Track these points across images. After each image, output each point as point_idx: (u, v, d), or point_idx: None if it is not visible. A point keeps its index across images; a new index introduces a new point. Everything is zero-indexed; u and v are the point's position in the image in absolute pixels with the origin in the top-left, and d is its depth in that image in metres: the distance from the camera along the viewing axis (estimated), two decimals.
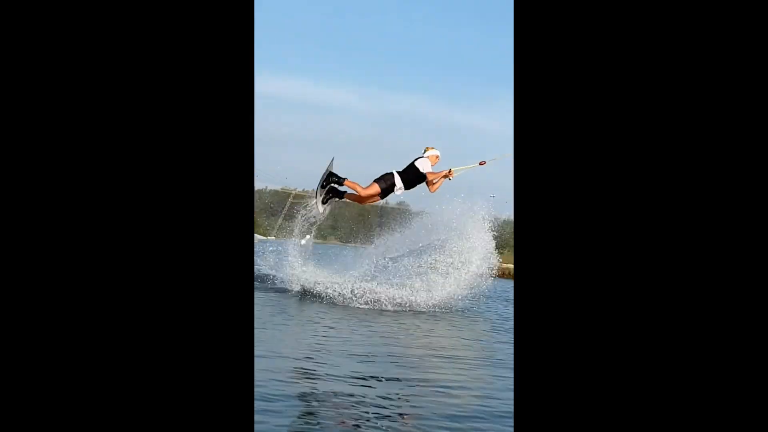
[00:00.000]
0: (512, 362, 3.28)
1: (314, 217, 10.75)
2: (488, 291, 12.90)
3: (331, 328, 8.39)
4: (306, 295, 11.41)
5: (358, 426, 4.11)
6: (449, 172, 10.12)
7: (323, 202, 10.31)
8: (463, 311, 11.78)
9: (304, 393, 4.75)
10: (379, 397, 4.84)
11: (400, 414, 4.48)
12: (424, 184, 10.20)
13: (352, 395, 4.80)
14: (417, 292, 11.38)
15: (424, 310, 11.17)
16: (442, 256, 11.82)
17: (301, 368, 5.64)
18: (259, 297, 10.44)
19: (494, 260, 11.94)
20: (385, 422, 4.20)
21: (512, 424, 3.16)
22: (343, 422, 4.13)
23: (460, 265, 11.69)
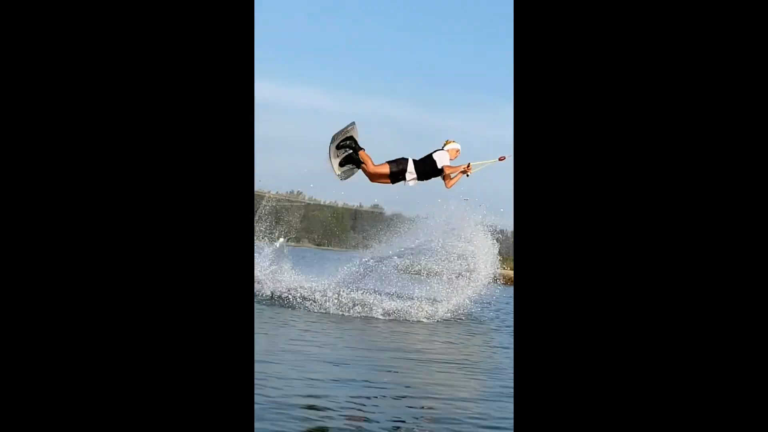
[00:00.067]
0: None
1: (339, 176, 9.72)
2: (498, 299, 12.78)
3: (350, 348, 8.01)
4: (302, 302, 11.08)
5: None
6: (467, 167, 9.38)
7: (340, 165, 9.57)
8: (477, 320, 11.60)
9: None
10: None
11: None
12: (440, 178, 9.53)
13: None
14: (420, 304, 11.19)
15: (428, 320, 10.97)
16: (438, 260, 11.67)
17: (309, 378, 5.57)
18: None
19: (498, 266, 11.84)
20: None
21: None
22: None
23: (467, 273, 11.49)
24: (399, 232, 12.42)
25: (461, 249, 11.69)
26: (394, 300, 11.30)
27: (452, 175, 9.46)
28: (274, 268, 12.11)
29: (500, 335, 10.23)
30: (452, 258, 11.72)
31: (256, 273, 11.93)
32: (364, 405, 4.81)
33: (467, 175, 9.46)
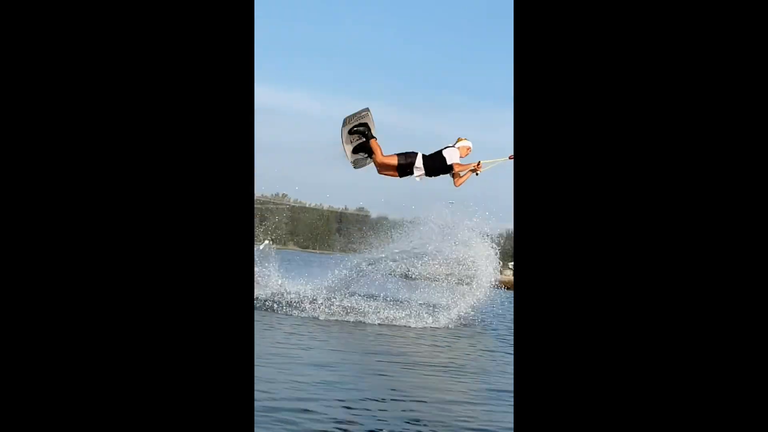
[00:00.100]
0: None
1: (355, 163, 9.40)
2: (493, 304, 12.72)
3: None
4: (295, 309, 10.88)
5: None
6: (477, 165, 9.00)
7: (354, 152, 9.20)
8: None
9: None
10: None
11: None
12: (449, 175, 9.13)
13: None
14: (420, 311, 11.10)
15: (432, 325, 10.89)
16: (436, 264, 11.61)
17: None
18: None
19: (498, 271, 11.77)
20: None
21: None
22: None
23: (468, 279, 11.40)
24: (390, 235, 12.29)
25: (461, 254, 11.58)
26: (391, 309, 11.11)
27: (461, 174, 9.10)
28: (259, 269, 11.99)
29: (485, 338, 10.26)
30: (451, 263, 11.62)
31: None
32: (352, 408, 4.80)
33: (476, 174, 9.08)
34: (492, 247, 11.73)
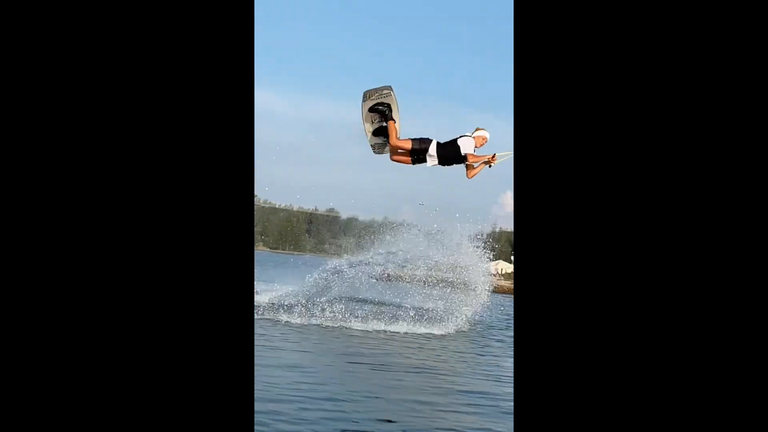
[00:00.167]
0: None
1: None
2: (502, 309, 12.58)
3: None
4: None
5: None
6: (492, 157, 8.61)
7: (374, 134, 8.87)
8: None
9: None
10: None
11: None
12: (463, 165, 8.76)
13: None
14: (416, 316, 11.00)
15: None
16: (423, 268, 11.49)
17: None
18: None
19: (491, 275, 11.69)
20: None
21: None
22: None
23: (461, 285, 11.29)
24: (373, 239, 12.12)
25: (451, 260, 11.48)
26: (380, 319, 10.92)
27: (475, 165, 8.73)
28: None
29: (456, 342, 10.25)
30: (443, 268, 11.52)
31: None
32: (335, 410, 4.80)
33: (490, 166, 8.71)
34: (477, 247, 11.66)
